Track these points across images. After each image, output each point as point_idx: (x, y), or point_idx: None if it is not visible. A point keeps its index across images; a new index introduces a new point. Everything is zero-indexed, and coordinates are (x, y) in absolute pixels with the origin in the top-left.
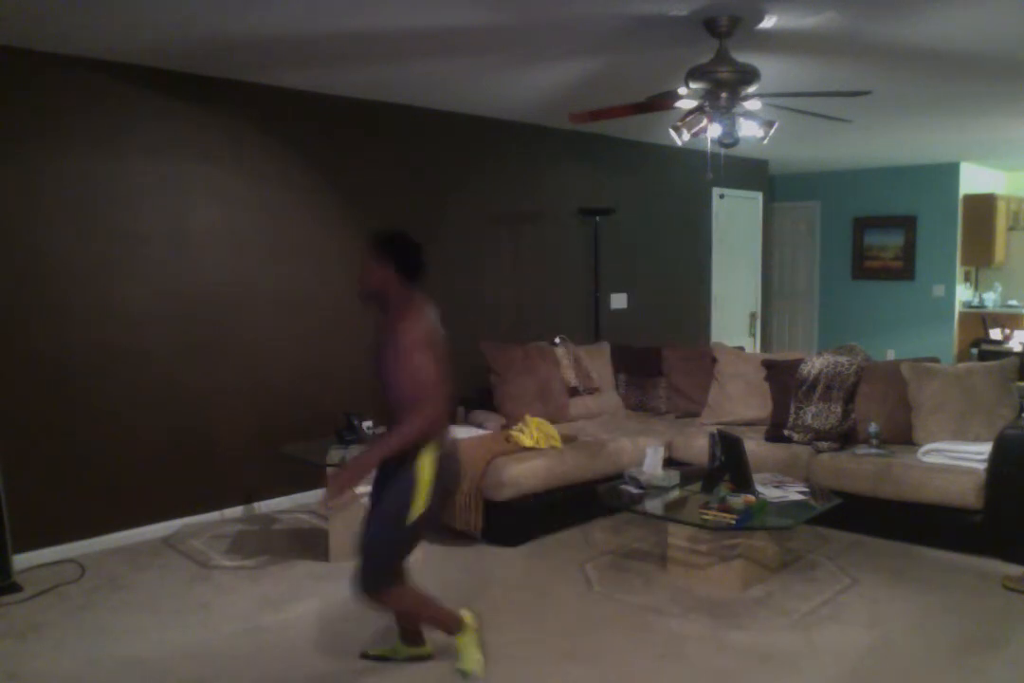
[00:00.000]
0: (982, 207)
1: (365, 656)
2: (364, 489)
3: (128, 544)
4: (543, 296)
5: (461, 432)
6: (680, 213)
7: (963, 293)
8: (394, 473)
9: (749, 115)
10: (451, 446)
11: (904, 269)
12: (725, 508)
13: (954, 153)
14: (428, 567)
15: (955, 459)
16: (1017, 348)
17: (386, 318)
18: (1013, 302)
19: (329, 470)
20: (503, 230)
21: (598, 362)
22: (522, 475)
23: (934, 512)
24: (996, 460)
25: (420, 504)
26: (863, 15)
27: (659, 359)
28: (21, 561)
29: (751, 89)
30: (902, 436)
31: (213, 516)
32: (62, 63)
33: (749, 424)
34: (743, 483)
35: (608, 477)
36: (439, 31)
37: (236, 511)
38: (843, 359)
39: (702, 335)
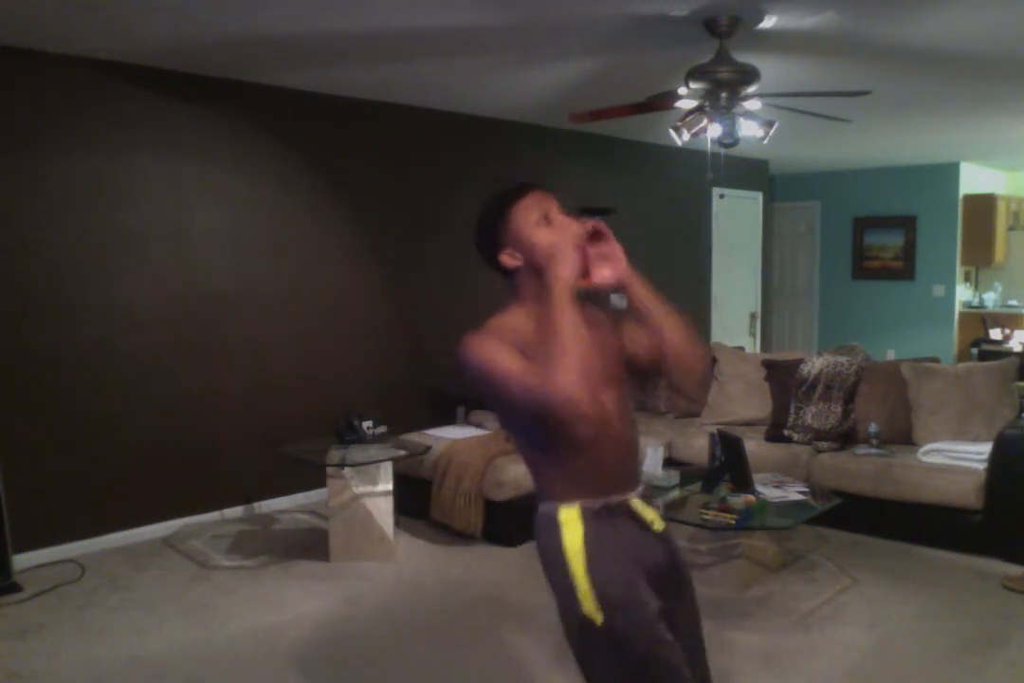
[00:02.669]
0: (982, 207)
1: None
2: (363, 488)
3: (128, 544)
4: None
5: (461, 432)
6: (680, 213)
7: (963, 293)
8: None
9: (749, 115)
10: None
11: (904, 269)
12: (725, 508)
13: (954, 153)
14: (429, 567)
15: (955, 459)
16: (1017, 348)
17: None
18: (1013, 302)
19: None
20: None
21: None
22: (522, 475)
23: (934, 512)
24: (996, 460)
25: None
26: (863, 15)
27: None
28: (21, 561)
29: (751, 89)
30: (902, 436)
31: (213, 516)
32: (62, 63)
33: (749, 424)
34: (743, 483)
35: None
36: (439, 31)
37: (236, 511)
38: (843, 359)
39: (702, 335)
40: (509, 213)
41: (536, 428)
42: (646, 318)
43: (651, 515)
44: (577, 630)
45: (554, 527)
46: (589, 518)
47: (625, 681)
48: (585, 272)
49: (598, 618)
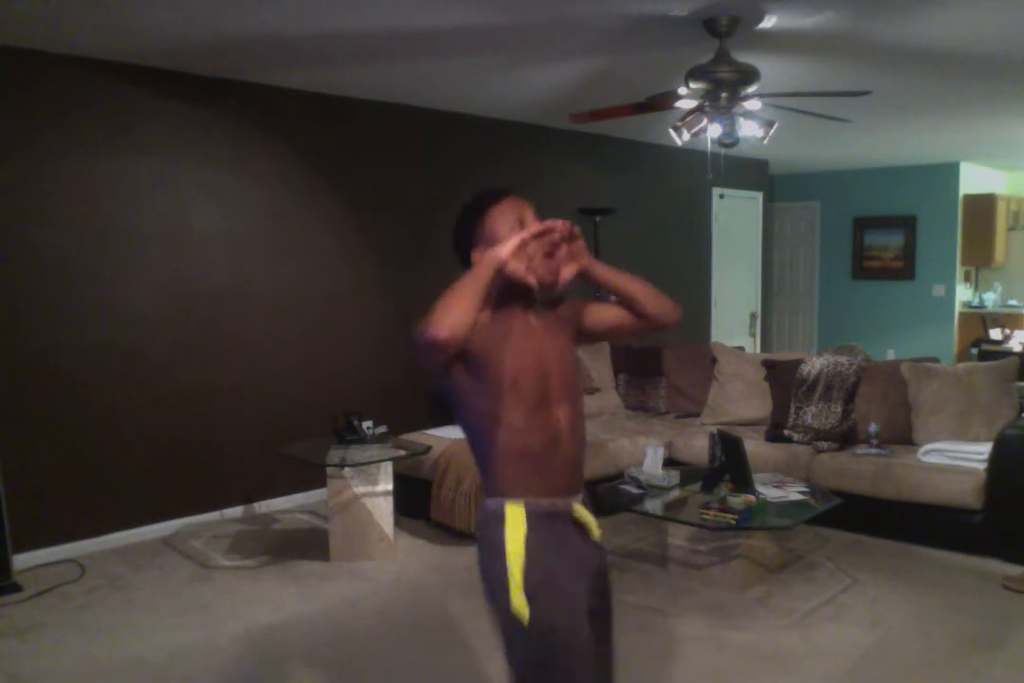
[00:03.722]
0: (982, 207)
1: None
2: (363, 488)
3: (128, 544)
4: None
5: (461, 432)
6: (680, 213)
7: (963, 293)
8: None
9: (749, 115)
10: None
11: (904, 269)
12: (725, 508)
13: (954, 153)
14: (429, 567)
15: (955, 459)
16: (1017, 348)
17: (537, 308)
18: (1013, 302)
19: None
20: None
21: (598, 362)
22: None
23: (934, 512)
24: (996, 460)
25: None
26: (863, 15)
27: (659, 359)
28: (21, 561)
29: (751, 89)
30: (902, 436)
31: (213, 516)
32: (62, 63)
33: (749, 424)
34: (743, 483)
35: (608, 477)
36: (439, 31)
37: (236, 511)
38: (843, 359)
39: (702, 335)
40: (487, 214)
41: (485, 428)
42: (617, 293)
43: (591, 521)
44: (506, 627)
45: (498, 521)
46: (533, 519)
47: (539, 670)
48: (554, 275)
49: (525, 614)
